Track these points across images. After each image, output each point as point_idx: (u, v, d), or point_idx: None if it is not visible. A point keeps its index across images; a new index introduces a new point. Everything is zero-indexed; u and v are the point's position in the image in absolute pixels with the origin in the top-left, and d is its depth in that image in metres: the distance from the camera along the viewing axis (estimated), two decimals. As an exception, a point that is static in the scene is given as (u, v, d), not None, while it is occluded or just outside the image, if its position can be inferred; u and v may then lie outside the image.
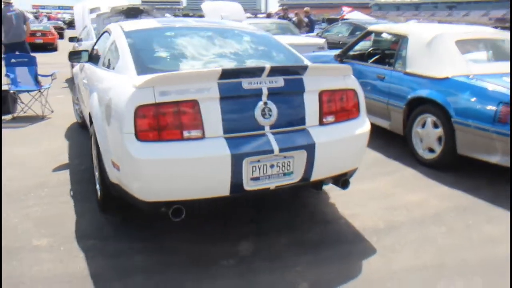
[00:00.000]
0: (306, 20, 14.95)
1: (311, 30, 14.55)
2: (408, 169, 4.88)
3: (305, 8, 15.78)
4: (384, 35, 6.09)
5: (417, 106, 4.96)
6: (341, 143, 3.22)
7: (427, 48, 5.01)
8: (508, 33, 5.60)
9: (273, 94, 2.97)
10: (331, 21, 22.41)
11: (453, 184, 4.43)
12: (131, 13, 8.94)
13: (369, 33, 6.13)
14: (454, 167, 4.71)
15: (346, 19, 16.89)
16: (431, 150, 4.83)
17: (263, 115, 2.93)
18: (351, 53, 6.38)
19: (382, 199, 4.14)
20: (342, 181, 3.36)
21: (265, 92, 2.93)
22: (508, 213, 3.82)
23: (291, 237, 3.38)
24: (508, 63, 5.15)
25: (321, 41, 10.01)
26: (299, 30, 14.07)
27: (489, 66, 5.02)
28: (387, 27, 6.09)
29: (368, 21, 14.92)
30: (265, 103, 2.94)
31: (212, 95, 2.83)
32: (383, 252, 3.18)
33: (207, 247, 3.20)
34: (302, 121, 3.07)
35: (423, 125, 4.89)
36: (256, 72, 2.94)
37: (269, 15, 15.95)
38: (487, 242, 3.38)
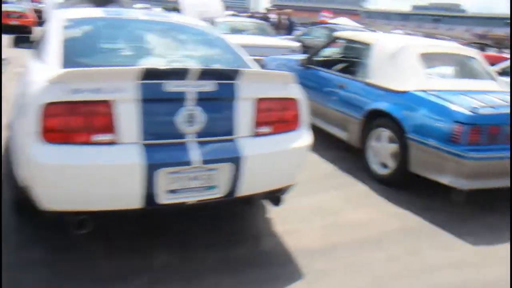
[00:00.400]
0: (287, 22, 14.70)
1: (289, 32, 14.30)
2: (360, 184, 4.65)
3: (287, 10, 15.56)
4: (350, 43, 5.86)
5: (374, 119, 4.75)
6: (275, 157, 2.97)
7: (390, 59, 4.80)
8: (475, 51, 5.43)
9: (201, 99, 2.70)
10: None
11: (405, 203, 4.22)
12: (100, 0, 8.56)
13: (335, 39, 5.90)
14: (406, 185, 4.51)
15: (324, 23, 16.66)
16: (385, 166, 4.62)
17: (187, 122, 2.67)
18: (318, 58, 6.16)
19: (327, 215, 3.91)
20: (274, 198, 3.12)
21: (191, 96, 2.67)
22: (457, 239, 3.63)
23: (217, 254, 3.11)
24: (471, 81, 5.00)
25: (295, 44, 9.78)
26: (279, 32, 13.86)
27: (451, 83, 4.82)
28: (352, 34, 5.86)
29: (348, 27, 14.71)
30: (191, 109, 2.67)
31: (130, 96, 2.55)
32: (311, 277, 2.94)
33: (118, 261, 2.90)
34: (231, 131, 2.81)
35: (379, 139, 4.68)
36: (182, 73, 2.66)
37: (251, 15, 15.76)
38: (426, 271, 3.16)
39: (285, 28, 14.50)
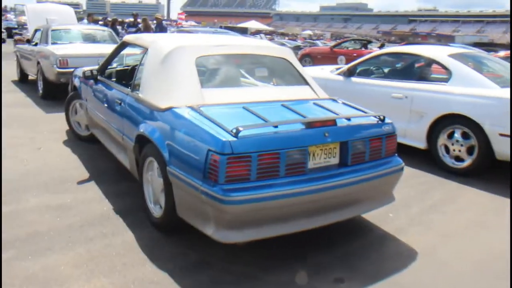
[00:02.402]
0: (154, 27, 13.54)
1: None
2: (129, 233, 3.51)
3: (157, 15, 14.42)
4: (137, 48, 4.68)
5: (143, 146, 3.62)
6: None
7: (161, 65, 3.69)
8: (285, 51, 4.44)
9: None
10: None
11: (170, 260, 3.13)
12: None
13: (124, 45, 4.70)
14: (180, 232, 3.43)
15: (181, 26, 15.70)
16: (161, 207, 3.50)
17: None
18: (110, 68, 4.97)
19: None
20: None
21: None
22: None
23: None
24: (272, 88, 4.04)
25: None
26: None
27: (236, 93, 3.67)
28: (136, 37, 4.64)
29: (213, 31, 13.68)
30: None
31: None
32: None
33: None
34: None
35: (152, 172, 3.55)
36: None
37: (113, 22, 14.35)
38: None
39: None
